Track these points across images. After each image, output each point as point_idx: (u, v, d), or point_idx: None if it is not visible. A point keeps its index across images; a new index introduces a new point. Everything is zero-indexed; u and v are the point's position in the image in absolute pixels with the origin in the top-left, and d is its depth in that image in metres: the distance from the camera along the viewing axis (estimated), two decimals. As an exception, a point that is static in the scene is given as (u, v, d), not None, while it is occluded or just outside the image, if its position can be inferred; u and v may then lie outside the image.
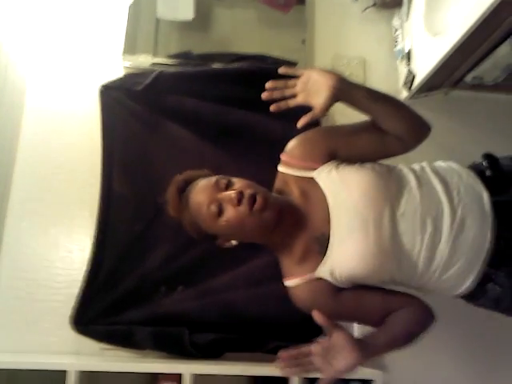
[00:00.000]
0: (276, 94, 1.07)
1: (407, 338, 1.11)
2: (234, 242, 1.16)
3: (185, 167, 1.71)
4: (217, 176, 1.12)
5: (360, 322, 1.26)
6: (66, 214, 1.77)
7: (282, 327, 1.62)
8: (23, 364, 1.46)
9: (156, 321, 1.62)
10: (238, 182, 1.09)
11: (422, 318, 1.13)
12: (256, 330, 1.62)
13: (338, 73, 1.05)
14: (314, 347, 1.00)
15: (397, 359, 1.47)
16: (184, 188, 1.15)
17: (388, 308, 1.12)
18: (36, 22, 1.94)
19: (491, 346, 1.75)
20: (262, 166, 1.71)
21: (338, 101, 1.05)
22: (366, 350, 1.02)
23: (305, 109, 1.06)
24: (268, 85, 1.08)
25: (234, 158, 1.78)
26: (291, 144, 1.18)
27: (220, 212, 1.06)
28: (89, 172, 1.78)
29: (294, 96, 1.06)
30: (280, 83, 1.07)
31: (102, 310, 1.64)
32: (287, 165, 1.17)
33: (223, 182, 1.09)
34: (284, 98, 1.07)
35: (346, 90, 1.04)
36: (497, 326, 1.62)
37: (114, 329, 1.62)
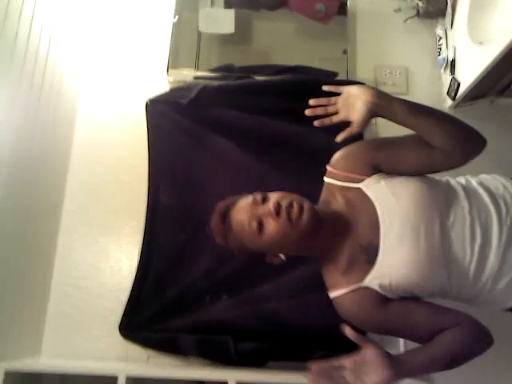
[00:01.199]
0: (319, 111, 1.10)
1: (450, 361, 1.06)
2: (282, 257, 1.16)
3: (228, 179, 1.79)
4: (253, 194, 1.14)
5: (406, 337, 1.23)
6: (115, 224, 1.84)
7: (325, 336, 1.62)
8: (75, 369, 1.51)
9: (200, 328, 1.65)
10: (274, 195, 1.11)
11: (472, 341, 1.08)
12: (299, 339, 1.63)
13: (375, 88, 1.06)
14: (346, 361, 0.99)
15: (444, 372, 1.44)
16: (226, 213, 1.16)
17: (437, 325, 1.08)
18: (87, 42, 2.04)
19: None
20: (305, 177, 1.73)
21: (376, 116, 1.05)
22: (400, 369, 1.00)
23: (347, 122, 1.09)
24: (311, 102, 1.10)
25: (277, 169, 1.81)
26: (336, 156, 1.19)
27: (261, 227, 1.07)
28: (136, 183, 1.83)
29: (336, 112, 1.08)
30: (323, 100, 1.10)
31: (148, 317, 1.69)
32: (332, 176, 1.18)
33: (259, 197, 1.10)
34: (327, 115, 1.09)
35: (383, 105, 1.04)
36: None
37: (160, 336, 1.66)
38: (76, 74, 1.97)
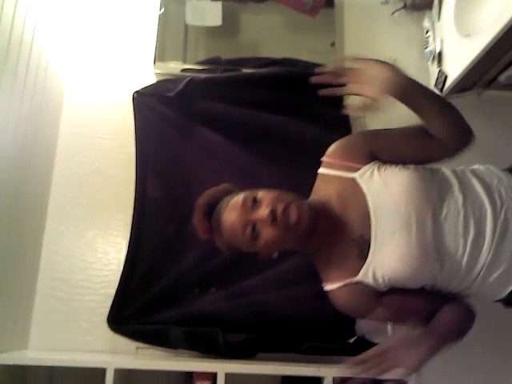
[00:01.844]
0: (326, 79, 1.04)
1: (460, 329, 1.10)
2: (275, 254, 1.15)
3: (216, 171, 1.79)
4: (242, 194, 1.09)
5: (403, 324, 1.26)
6: (102, 217, 1.83)
7: (313, 327, 1.63)
8: (63, 362, 1.50)
9: (189, 321, 1.65)
10: (265, 197, 1.06)
11: (466, 312, 1.12)
12: (288, 331, 1.63)
13: (392, 64, 1.02)
14: (392, 342, 1.03)
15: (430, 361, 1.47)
16: (210, 211, 1.13)
17: (430, 311, 1.10)
18: (73, 34, 2.02)
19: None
20: (292, 170, 1.75)
21: (391, 93, 1.00)
22: (435, 337, 1.04)
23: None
24: (321, 69, 1.04)
25: (265, 161, 1.81)
26: (333, 146, 1.17)
27: (256, 233, 1.05)
28: (123, 176, 1.83)
29: (344, 85, 1.03)
30: (337, 69, 1.04)
31: (136, 309, 1.68)
32: (328, 166, 1.16)
33: (249, 199, 1.06)
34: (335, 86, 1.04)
35: (401, 83, 1.01)
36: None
37: (149, 328, 1.66)
38: (62, 67, 1.94)
